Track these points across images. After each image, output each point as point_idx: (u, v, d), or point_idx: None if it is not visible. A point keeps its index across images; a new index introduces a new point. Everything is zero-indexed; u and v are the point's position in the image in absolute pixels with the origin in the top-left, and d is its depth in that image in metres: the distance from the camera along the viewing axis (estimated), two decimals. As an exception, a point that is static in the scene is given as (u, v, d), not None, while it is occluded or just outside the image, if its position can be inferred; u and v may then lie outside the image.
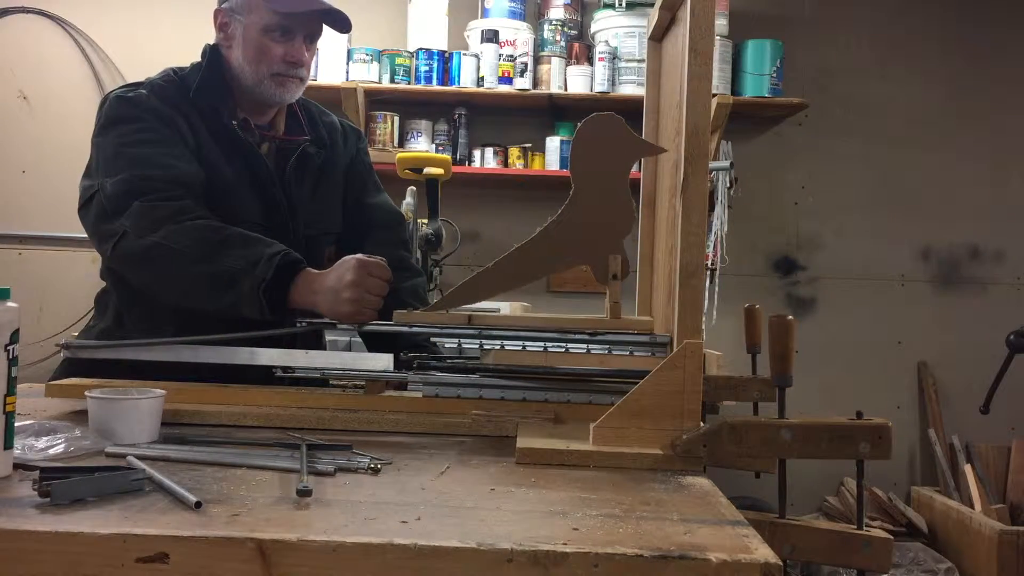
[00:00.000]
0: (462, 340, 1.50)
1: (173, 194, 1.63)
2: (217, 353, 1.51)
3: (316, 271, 1.56)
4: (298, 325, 1.55)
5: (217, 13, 1.82)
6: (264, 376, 1.55)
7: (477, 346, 1.49)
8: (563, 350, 1.48)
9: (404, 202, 2.94)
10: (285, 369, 1.50)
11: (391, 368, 1.50)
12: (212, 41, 1.86)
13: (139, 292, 1.75)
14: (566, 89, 4.04)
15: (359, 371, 1.51)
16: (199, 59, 1.84)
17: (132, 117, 1.71)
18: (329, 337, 2.07)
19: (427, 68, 4.00)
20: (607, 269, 1.44)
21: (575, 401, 1.46)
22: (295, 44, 1.78)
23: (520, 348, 1.48)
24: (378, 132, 4.02)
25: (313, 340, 1.85)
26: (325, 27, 1.84)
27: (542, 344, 1.48)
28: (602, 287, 1.49)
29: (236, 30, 1.79)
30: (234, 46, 1.79)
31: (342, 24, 1.82)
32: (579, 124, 1.47)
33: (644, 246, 1.84)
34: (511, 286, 1.51)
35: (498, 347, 1.47)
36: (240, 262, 1.53)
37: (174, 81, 1.79)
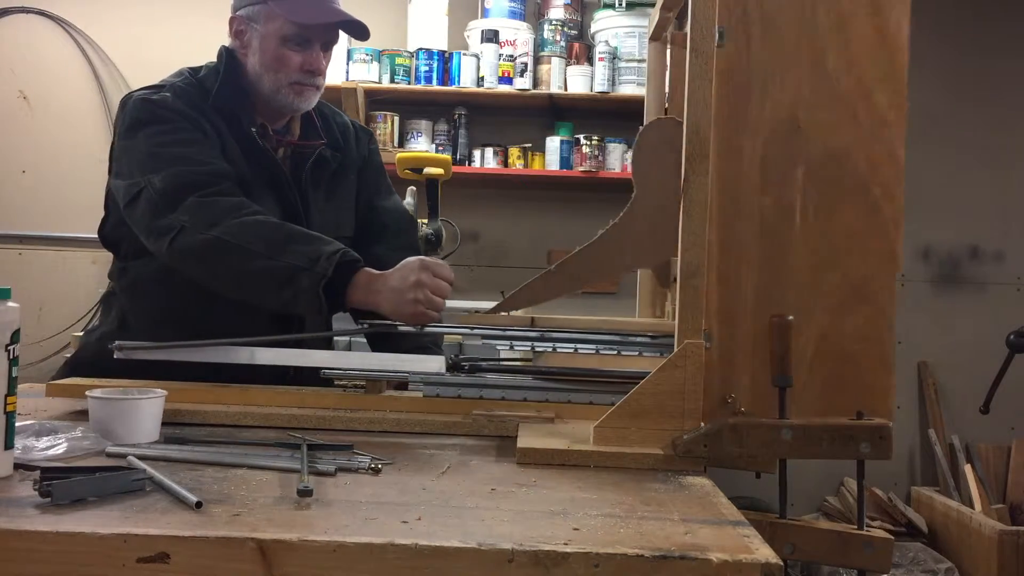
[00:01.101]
0: (514, 343, 1.51)
1: (225, 188, 1.64)
2: (276, 355, 1.52)
3: (376, 271, 1.57)
4: (360, 326, 1.56)
5: (233, 20, 1.81)
6: (311, 378, 1.56)
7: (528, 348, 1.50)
8: (615, 353, 1.48)
9: (404, 202, 2.94)
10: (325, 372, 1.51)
11: (443, 370, 1.50)
12: (222, 43, 1.86)
13: (145, 295, 1.75)
14: (566, 89, 4.04)
15: (412, 373, 1.51)
16: (213, 60, 1.84)
17: (161, 118, 1.70)
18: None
19: (427, 68, 4.00)
20: (668, 273, 1.44)
21: (576, 401, 1.46)
22: (313, 53, 1.78)
23: (572, 351, 1.48)
24: (378, 132, 4.02)
25: (323, 341, 1.86)
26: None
27: (594, 347, 1.48)
28: (610, 287, 1.49)
29: (252, 38, 1.78)
30: (250, 54, 1.79)
31: (359, 32, 1.82)
32: (640, 129, 1.48)
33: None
34: (572, 288, 1.52)
35: (550, 349, 1.48)
36: (300, 259, 1.53)
37: (193, 84, 1.78)
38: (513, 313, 1.55)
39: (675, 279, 1.45)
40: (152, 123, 1.70)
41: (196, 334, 1.54)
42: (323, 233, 1.70)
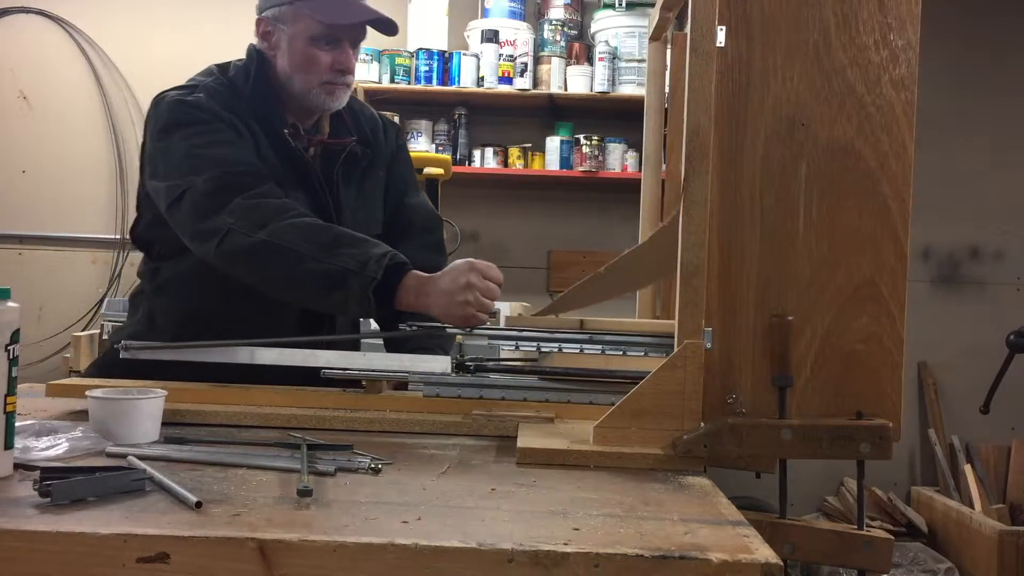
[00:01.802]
0: (520, 343, 1.51)
1: (268, 190, 1.64)
2: (279, 355, 1.52)
3: (424, 274, 1.56)
4: (408, 328, 1.56)
5: (259, 22, 1.80)
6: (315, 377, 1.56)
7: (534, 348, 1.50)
8: (621, 353, 1.48)
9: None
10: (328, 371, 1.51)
11: (449, 370, 1.50)
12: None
13: (176, 295, 1.75)
14: (566, 89, 4.04)
15: (412, 373, 1.51)
16: (241, 58, 1.83)
17: (196, 119, 1.69)
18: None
19: (427, 68, 4.00)
20: None
21: (576, 401, 1.46)
22: (342, 52, 1.76)
23: (578, 351, 1.49)
24: (378, 132, 4.02)
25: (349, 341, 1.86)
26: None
27: (600, 348, 1.48)
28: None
29: (280, 39, 1.77)
30: (279, 55, 1.78)
31: (388, 28, 1.81)
32: None
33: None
34: (622, 291, 1.52)
35: (556, 350, 1.48)
36: (350, 262, 1.53)
37: (224, 83, 1.78)
38: (562, 315, 1.55)
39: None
40: (188, 124, 1.69)
41: (224, 334, 1.55)
42: (355, 230, 1.69)
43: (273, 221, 1.57)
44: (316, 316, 1.75)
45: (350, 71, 1.79)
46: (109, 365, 1.70)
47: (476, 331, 1.51)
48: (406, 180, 2.00)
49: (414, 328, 1.55)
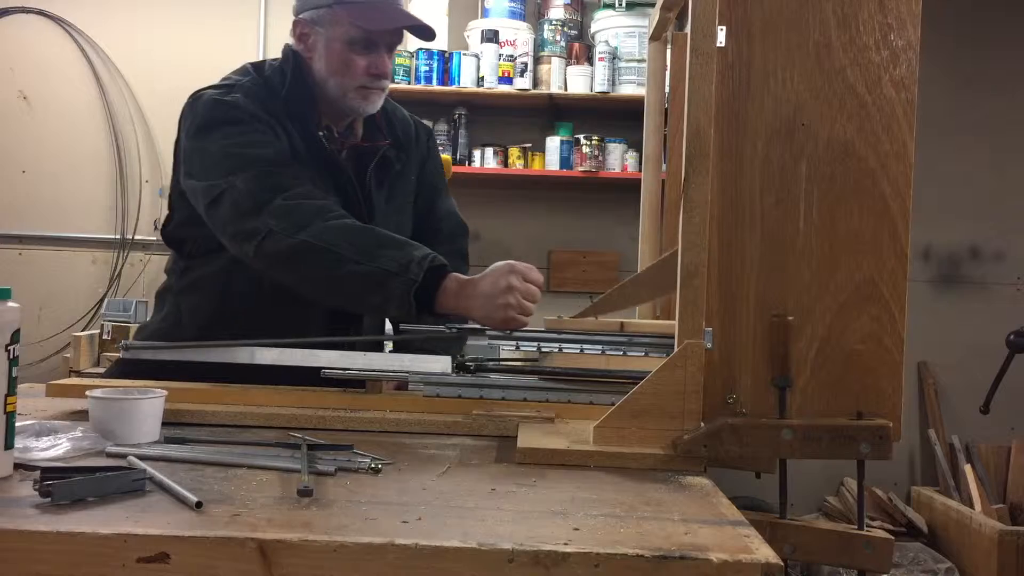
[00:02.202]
0: (521, 343, 1.52)
1: (307, 191, 1.64)
2: (279, 355, 1.52)
3: (465, 276, 1.56)
4: (449, 330, 1.56)
5: (296, 23, 1.79)
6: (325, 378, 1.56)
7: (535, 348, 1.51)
8: (621, 354, 1.48)
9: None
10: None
11: (449, 370, 1.50)
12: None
13: (206, 294, 1.75)
14: (566, 89, 4.04)
15: (412, 373, 1.51)
16: (277, 58, 1.82)
17: (234, 119, 1.69)
18: None
19: (427, 68, 4.00)
20: None
21: (576, 401, 1.46)
22: (379, 56, 1.76)
23: (578, 351, 1.49)
24: (378, 132, 4.02)
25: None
26: None
27: (600, 348, 1.49)
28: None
29: (318, 42, 1.77)
30: (315, 57, 1.77)
31: (425, 34, 1.82)
32: None
33: (667, 248, 1.85)
34: (658, 294, 1.52)
35: (556, 350, 1.48)
36: (391, 264, 1.53)
37: (260, 84, 1.77)
38: (601, 318, 1.55)
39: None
40: (226, 123, 1.69)
41: (251, 334, 1.55)
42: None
43: (314, 222, 1.57)
44: (343, 317, 1.75)
45: (386, 75, 1.79)
46: (130, 364, 1.70)
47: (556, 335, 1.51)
48: (436, 185, 2.00)
49: (454, 330, 1.54)
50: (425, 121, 4.41)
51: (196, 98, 1.75)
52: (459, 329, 1.55)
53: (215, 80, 1.81)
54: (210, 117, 1.70)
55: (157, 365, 1.57)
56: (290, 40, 1.81)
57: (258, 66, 1.83)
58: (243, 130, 1.68)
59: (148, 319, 1.91)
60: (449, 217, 2.00)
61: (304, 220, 1.57)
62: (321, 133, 1.76)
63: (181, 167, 1.74)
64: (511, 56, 4.02)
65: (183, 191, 1.74)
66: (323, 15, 1.75)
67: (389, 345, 1.92)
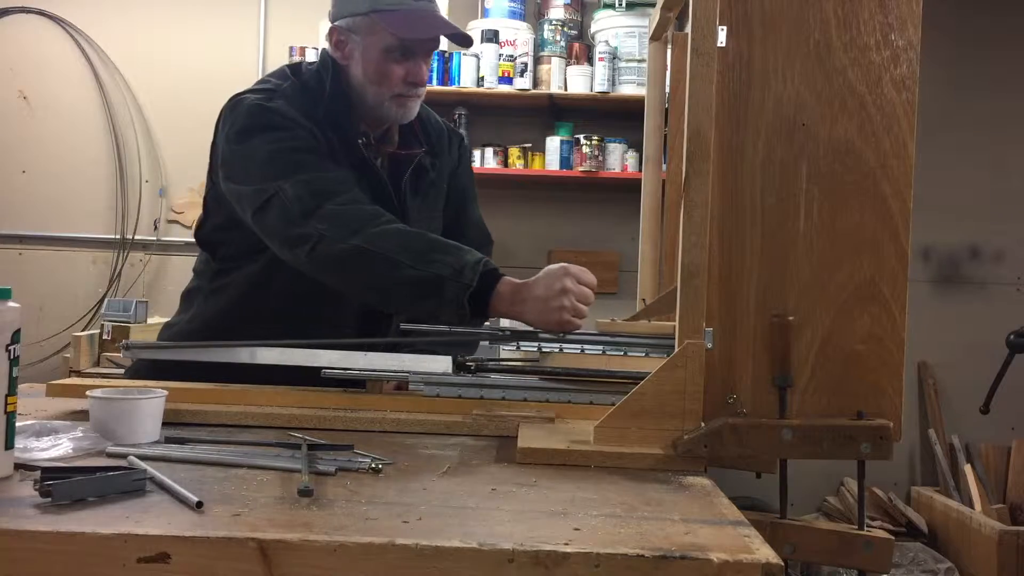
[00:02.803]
0: (521, 343, 1.52)
1: (356, 196, 1.64)
2: (280, 355, 1.52)
3: (518, 280, 1.56)
4: (503, 333, 1.56)
5: (332, 31, 1.78)
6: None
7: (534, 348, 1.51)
8: (622, 354, 1.48)
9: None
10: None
11: (450, 370, 1.50)
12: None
13: (241, 296, 1.75)
14: (566, 89, 4.04)
15: (413, 373, 1.51)
16: (313, 62, 1.82)
17: (278, 125, 1.68)
18: None
19: (427, 68, 4.00)
20: None
21: (576, 401, 1.46)
22: (416, 64, 1.75)
23: (579, 351, 1.49)
24: (378, 132, 4.02)
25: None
26: None
27: (601, 348, 1.49)
28: (610, 288, 1.50)
29: (354, 50, 1.76)
30: (352, 65, 1.77)
31: (463, 41, 1.81)
32: None
33: (668, 249, 1.85)
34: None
35: (557, 350, 1.48)
36: (445, 269, 1.52)
37: (299, 89, 1.76)
38: (653, 321, 1.54)
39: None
40: (269, 129, 1.68)
41: (282, 335, 1.55)
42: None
43: (366, 227, 1.57)
44: (374, 320, 1.76)
45: (422, 83, 1.78)
46: (146, 365, 1.72)
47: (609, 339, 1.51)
48: (466, 194, 2.00)
49: (507, 333, 1.54)
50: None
51: (237, 102, 1.74)
52: (511, 332, 1.54)
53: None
54: (252, 122, 1.69)
55: (174, 365, 1.58)
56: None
57: (295, 69, 1.82)
58: (286, 136, 1.68)
59: (171, 318, 1.90)
60: (476, 227, 2.01)
61: (356, 225, 1.57)
62: (360, 140, 1.76)
63: (219, 171, 1.74)
64: (511, 56, 4.02)
65: (220, 194, 1.74)
66: (359, 23, 1.74)
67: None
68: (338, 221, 1.58)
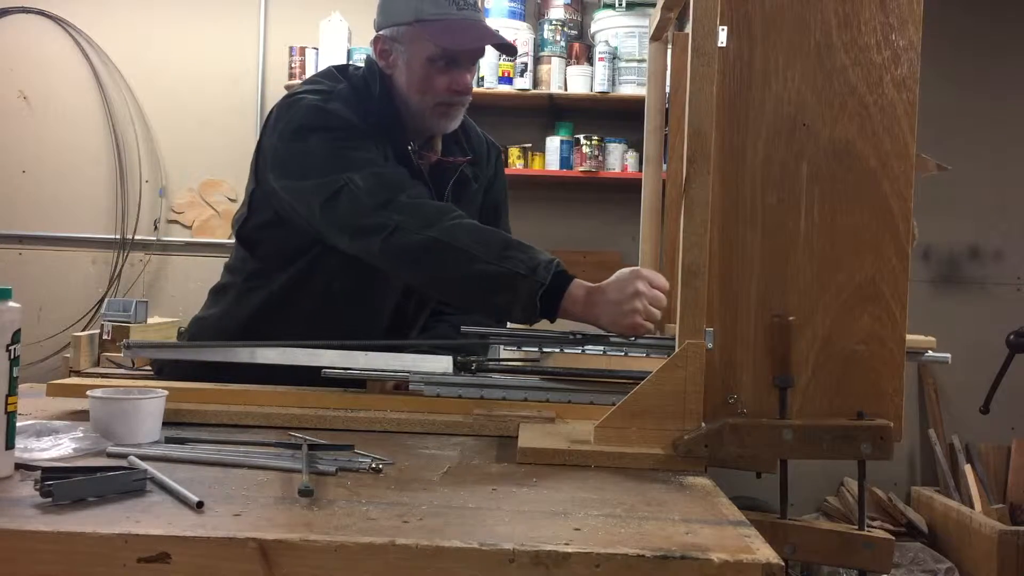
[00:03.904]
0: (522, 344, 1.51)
1: (424, 192, 1.64)
2: (280, 355, 1.52)
3: (589, 283, 1.55)
4: (572, 336, 1.55)
5: (377, 40, 1.78)
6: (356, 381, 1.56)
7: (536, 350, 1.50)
8: (623, 354, 1.48)
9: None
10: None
11: (451, 370, 1.51)
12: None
13: (280, 295, 1.75)
14: (566, 89, 4.04)
15: (419, 373, 1.51)
16: (360, 67, 1.82)
17: (337, 126, 1.69)
18: None
19: (427, 68, 4.00)
20: None
21: (577, 401, 1.46)
22: (460, 73, 1.75)
23: (579, 351, 1.49)
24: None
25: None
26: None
27: (601, 348, 1.48)
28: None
29: (398, 59, 1.76)
30: (396, 74, 1.77)
31: (507, 50, 1.81)
32: None
33: (668, 249, 1.85)
34: None
35: (557, 350, 1.48)
36: (519, 266, 1.52)
37: (351, 93, 1.76)
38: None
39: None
40: (327, 129, 1.68)
41: (315, 335, 1.56)
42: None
43: (440, 221, 1.56)
44: (403, 321, 1.77)
45: (467, 92, 1.78)
46: (170, 365, 1.73)
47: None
48: (499, 205, 1.99)
49: (577, 336, 1.53)
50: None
51: (294, 102, 1.73)
52: (581, 336, 1.53)
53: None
54: (309, 122, 1.69)
55: (201, 365, 1.59)
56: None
57: (343, 71, 1.82)
58: (345, 136, 1.68)
59: (200, 312, 1.89)
60: None
61: (431, 218, 1.57)
62: (409, 147, 1.76)
63: (269, 169, 1.73)
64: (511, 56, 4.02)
65: (267, 192, 1.74)
66: (404, 32, 1.73)
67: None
68: (413, 212, 1.57)
